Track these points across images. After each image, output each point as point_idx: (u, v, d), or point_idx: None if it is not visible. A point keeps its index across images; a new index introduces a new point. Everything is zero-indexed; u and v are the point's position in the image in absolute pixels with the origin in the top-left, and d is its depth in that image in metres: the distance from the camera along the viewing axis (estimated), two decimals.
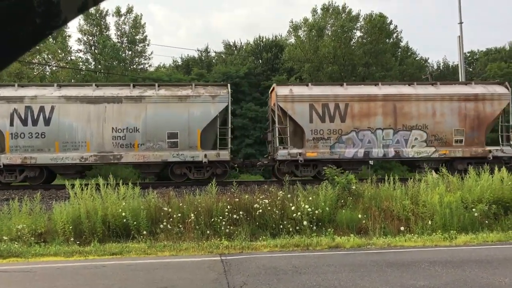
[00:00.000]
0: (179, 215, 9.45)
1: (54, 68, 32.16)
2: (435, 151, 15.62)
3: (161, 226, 9.26)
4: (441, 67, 41.74)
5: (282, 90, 15.83)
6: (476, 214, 9.72)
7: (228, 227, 9.28)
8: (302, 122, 15.44)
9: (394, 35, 34.18)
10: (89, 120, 14.74)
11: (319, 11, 33.10)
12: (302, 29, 33.52)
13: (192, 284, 6.05)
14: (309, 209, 9.56)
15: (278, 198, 10.06)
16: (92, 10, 30.37)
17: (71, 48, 32.61)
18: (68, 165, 14.70)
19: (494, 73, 32.33)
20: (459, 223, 9.51)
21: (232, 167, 16.65)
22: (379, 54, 31.35)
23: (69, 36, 32.14)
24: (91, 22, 32.56)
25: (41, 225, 9.24)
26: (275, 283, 5.85)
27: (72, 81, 28.82)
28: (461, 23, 24.67)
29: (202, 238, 8.97)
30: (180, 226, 9.28)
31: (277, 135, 15.79)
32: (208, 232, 9.15)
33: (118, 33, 33.75)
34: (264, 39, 37.18)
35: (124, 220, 9.19)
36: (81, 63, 32.46)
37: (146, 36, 34.57)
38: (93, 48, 33.03)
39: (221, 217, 9.37)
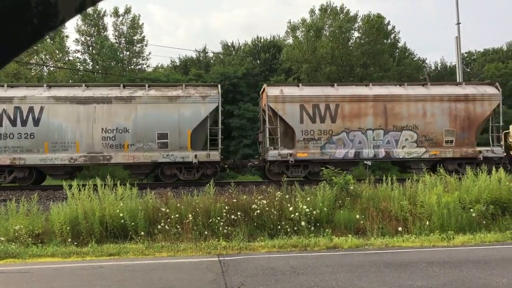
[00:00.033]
0: (177, 215, 9.43)
1: (51, 69, 32.11)
2: (426, 151, 15.62)
3: (159, 226, 9.23)
4: (439, 68, 41.87)
5: (273, 91, 15.82)
6: (473, 215, 9.73)
7: (226, 227, 9.25)
8: (293, 122, 15.43)
9: (392, 35, 34.29)
10: (78, 121, 14.67)
11: (317, 11, 33.19)
12: (300, 29, 33.58)
13: (190, 284, 6.04)
14: (307, 210, 9.55)
15: (276, 198, 10.05)
16: (90, 10, 30.33)
17: (68, 48, 32.64)
18: (58, 165, 14.62)
19: (492, 74, 32.46)
20: (456, 224, 9.52)
21: (223, 167, 16.59)
22: (377, 54, 31.43)
23: (67, 36, 32.19)
24: (89, 23, 32.57)
25: (39, 226, 9.20)
26: (273, 284, 5.84)
27: (70, 81, 28.76)
28: (458, 23, 24.75)
29: (200, 238, 8.94)
30: (178, 226, 9.25)
31: (267, 135, 15.76)
32: (206, 232, 9.13)
33: (116, 33, 33.77)
34: (262, 40, 37.23)
35: (122, 221, 9.15)
36: (79, 64, 32.42)
37: (144, 37, 34.65)
38: (91, 48, 32.99)
39: (219, 218, 9.35)
